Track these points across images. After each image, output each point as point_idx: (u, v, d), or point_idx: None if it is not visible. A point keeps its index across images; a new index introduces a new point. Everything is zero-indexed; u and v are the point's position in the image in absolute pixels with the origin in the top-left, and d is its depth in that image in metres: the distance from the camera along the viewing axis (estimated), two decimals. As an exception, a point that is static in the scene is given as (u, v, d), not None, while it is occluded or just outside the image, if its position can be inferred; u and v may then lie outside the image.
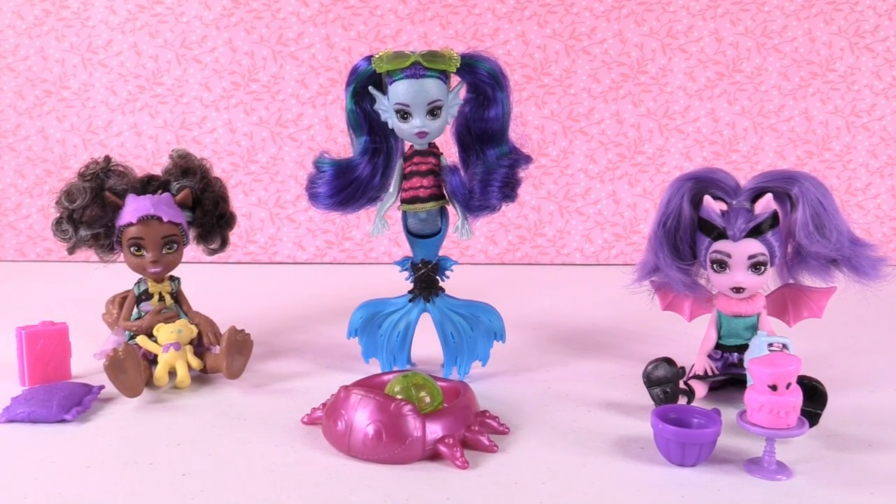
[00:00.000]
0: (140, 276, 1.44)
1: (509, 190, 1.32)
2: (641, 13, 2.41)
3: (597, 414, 1.24)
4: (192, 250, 1.51)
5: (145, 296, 1.44)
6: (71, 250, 1.43)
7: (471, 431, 1.10)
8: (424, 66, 1.24)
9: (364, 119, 1.33)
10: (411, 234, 1.37)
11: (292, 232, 2.53)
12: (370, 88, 1.29)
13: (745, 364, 1.16)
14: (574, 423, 1.21)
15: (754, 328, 1.28)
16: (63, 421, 1.19)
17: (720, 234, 1.22)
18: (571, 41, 2.43)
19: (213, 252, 1.55)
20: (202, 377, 1.40)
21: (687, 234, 1.25)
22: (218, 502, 0.96)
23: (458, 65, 1.27)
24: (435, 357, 1.46)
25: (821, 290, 1.31)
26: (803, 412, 1.04)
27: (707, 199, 1.23)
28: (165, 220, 1.38)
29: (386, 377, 1.25)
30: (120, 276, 1.51)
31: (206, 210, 1.47)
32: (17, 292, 2.14)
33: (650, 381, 1.23)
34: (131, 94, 2.48)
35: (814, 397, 1.14)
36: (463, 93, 1.32)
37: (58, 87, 2.48)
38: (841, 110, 2.45)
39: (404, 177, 1.34)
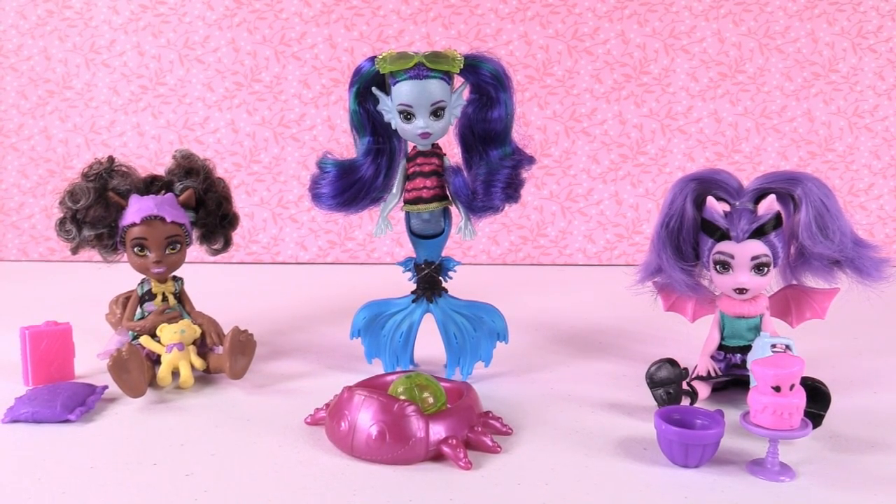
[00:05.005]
0: (143, 276, 1.44)
1: (512, 191, 1.32)
2: (644, 14, 2.41)
3: (600, 415, 1.24)
4: (195, 250, 1.51)
5: (148, 296, 1.44)
6: (74, 250, 1.44)
7: (474, 432, 1.10)
8: (428, 66, 1.24)
9: (367, 120, 1.33)
10: (414, 235, 1.37)
11: (295, 232, 2.53)
12: (373, 89, 1.29)
13: (749, 365, 1.15)
14: (577, 423, 1.21)
15: (757, 329, 1.28)
16: (67, 421, 1.19)
17: (723, 235, 1.21)
18: (574, 42, 2.43)
19: (215, 252, 1.55)
20: (205, 377, 1.40)
21: (690, 234, 1.25)
22: (221, 503, 0.96)
23: (462, 65, 1.27)
24: (438, 358, 1.46)
25: (824, 291, 1.30)
26: (806, 413, 1.04)
27: (710, 199, 1.23)
28: (169, 220, 1.38)
29: (389, 378, 1.25)
30: (123, 276, 1.51)
31: (209, 210, 1.47)
32: (21, 292, 2.15)
33: (653, 382, 1.23)
34: (134, 95, 2.48)
35: (817, 398, 1.14)
36: (466, 93, 1.32)
37: (61, 88, 2.48)
38: (843, 111, 2.45)
39: (407, 177, 1.34)
